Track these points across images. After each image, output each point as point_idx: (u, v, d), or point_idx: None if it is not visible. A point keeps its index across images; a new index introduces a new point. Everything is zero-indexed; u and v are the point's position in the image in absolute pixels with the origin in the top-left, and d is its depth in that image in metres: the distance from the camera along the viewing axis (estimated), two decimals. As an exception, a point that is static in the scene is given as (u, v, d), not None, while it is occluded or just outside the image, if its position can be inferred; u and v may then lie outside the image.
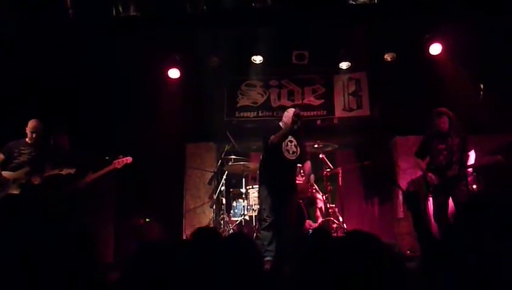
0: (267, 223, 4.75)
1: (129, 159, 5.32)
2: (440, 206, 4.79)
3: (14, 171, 5.03)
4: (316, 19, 5.98)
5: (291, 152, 4.90)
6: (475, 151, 5.26)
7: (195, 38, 6.42)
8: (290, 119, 4.81)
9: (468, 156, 4.86)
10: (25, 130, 5.13)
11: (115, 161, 5.27)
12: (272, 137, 4.80)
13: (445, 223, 4.57)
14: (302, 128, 4.89)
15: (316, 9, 5.67)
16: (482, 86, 5.62)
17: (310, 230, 5.97)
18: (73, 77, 6.26)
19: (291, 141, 4.92)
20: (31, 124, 5.13)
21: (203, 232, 2.41)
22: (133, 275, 1.88)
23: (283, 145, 4.87)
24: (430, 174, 4.85)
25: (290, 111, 4.98)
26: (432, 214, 5.13)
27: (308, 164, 5.19)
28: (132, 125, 6.71)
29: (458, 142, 4.79)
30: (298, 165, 5.42)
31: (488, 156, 4.95)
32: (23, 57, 5.96)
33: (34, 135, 5.11)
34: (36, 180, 4.99)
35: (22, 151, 5.10)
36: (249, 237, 2.46)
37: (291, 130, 4.84)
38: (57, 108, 6.02)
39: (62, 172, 5.06)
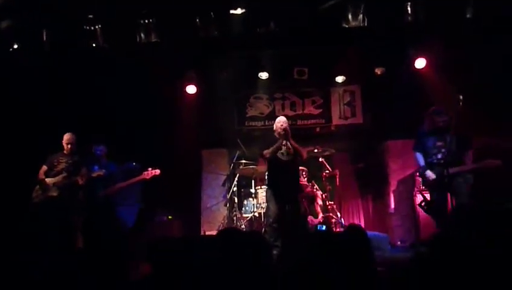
0: (271, 220, 4.84)
1: (157, 171, 5.44)
2: (438, 201, 4.49)
3: (54, 178, 5.26)
4: (313, 41, 6.08)
5: (285, 154, 4.92)
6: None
7: (209, 58, 6.59)
8: (279, 132, 4.94)
9: (468, 155, 4.50)
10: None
11: (144, 172, 5.41)
12: (265, 152, 4.93)
13: (444, 217, 4.33)
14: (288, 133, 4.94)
15: (313, 32, 5.75)
16: (461, 97, 5.67)
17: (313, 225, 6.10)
18: (106, 95, 6.46)
19: (285, 144, 4.92)
20: (66, 136, 5.35)
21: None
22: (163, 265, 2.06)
23: None
24: (428, 172, 4.53)
25: (277, 123, 5.02)
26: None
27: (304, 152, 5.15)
28: (155, 135, 6.86)
29: (457, 140, 4.45)
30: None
31: (490, 159, 4.49)
32: (61, 80, 6.21)
33: (68, 146, 5.32)
34: (81, 181, 5.18)
35: (60, 161, 5.33)
36: (260, 234, 2.59)
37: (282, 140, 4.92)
38: (95, 122, 6.23)
39: (93, 174, 5.27)
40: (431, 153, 4.62)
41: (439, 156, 4.56)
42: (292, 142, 4.95)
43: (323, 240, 2.17)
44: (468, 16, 5.34)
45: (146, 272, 2.26)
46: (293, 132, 5.15)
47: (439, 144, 4.58)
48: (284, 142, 4.92)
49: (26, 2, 5.43)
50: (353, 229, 2.39)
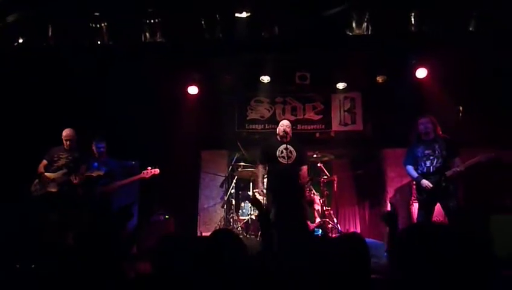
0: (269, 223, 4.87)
1: (157, 171, 5.37)
2: (427, 213, 4.56)
3: (54, 173, 5.25)
4: (316, 47, 6.08)
5: (286, 158, 4.86)
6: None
7: (212, 60, 6.58)
8: (280, 135, 5.05)
9: (456, 161, 4.50)
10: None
11: (144, 171, 5.36)
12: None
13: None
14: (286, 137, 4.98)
15: (316, 38, 5.73)
16: (461, 108, 5.69)
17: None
18: (108, 93, 6.45)
19: (286, 148, 4.88)
20: (65, 132, 5.33)
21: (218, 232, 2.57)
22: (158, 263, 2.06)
23: (277, 153, 4.91)
24: (424, 181, 4.53)
25: (280, 127, 5.09)
26: (415, 218, 5.07)
27: (304, 168, 5.10)
28: (156, 134, 6.82)
29: (445, 147, 4.52)
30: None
31: (482, 154, 4.41)
32: (64, 75, 6.20)
33: (67, 142, 5.31)
34: (75, 180, 5.16)
35: (61, 156, 5.31)
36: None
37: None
38: (96, 119, 6.20)
39: (93, 174, 5.23)
40: (420, 161, 4.68)
41: (428, 163, 4.60)
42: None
43: (319, 245, 2.17)
44: (471, 28, 5.36)
45: (143, 271, 2.26)
46: (293, 136, 5.15)
47: (427, 152, 4.64)
48: (285, 145, 4.92)
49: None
50: (351, 236, 2.39)
